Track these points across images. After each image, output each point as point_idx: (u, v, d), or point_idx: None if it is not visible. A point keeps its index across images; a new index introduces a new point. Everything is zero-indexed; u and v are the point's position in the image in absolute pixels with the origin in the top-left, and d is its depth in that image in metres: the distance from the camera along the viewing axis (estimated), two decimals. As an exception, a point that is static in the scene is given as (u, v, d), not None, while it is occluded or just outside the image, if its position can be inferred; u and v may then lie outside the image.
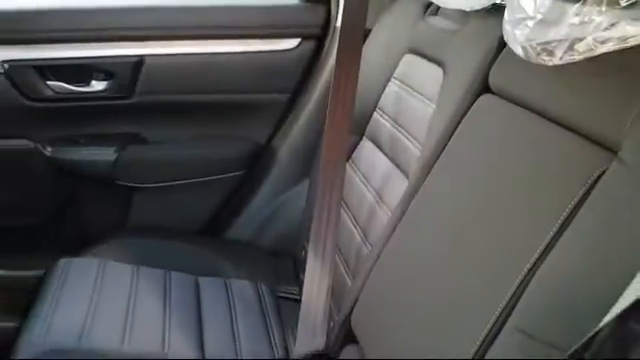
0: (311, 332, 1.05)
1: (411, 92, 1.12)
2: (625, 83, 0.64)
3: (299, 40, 1.44)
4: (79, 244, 1.39)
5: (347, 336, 1.00)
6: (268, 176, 1.51)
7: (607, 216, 0.60)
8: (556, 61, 0.72)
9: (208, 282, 1.30)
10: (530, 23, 0.73)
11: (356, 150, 1.29)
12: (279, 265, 1.42)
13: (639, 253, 0.56)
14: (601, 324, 0.54)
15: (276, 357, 1.10)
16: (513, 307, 0.65)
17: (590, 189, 0.62)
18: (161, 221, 1.50)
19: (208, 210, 1.53)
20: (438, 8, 1.16)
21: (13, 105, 1.37)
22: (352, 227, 1.17)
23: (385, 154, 1.16)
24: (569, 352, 0.56)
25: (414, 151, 1.03)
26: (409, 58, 1.18)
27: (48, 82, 1.37)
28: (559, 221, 0.64)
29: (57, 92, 1.38)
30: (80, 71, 1.39)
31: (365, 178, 1.20)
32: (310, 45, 1.45)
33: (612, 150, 0.62)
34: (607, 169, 0.62)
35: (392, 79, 1.22)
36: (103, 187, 1.48)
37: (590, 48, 0.69)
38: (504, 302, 0.66)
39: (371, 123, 1.26)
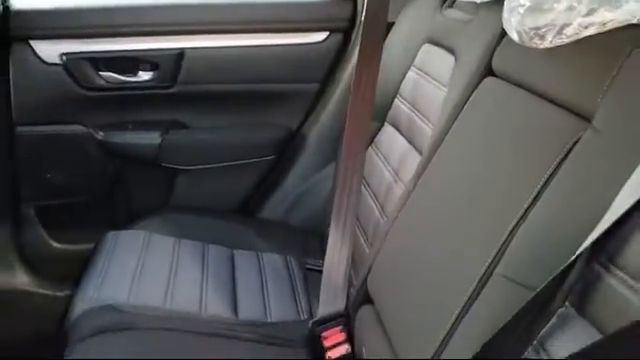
0: (332, 295, 1.16)
1: (427, 79, 1.22)
2: (601, 61, 0.73)
3: (327, 33, 1.54)
4: (127, 220, 1.54)
5: (364, 298, 1.11)
6: (298, 160, 1.62)
7: (581, 177, 0.69)
8: (547, 44, 0.81)
9: (242, 254, 1.41)
10: (522, 10, 0.82)
11: (378, 135, 1.39)
12: (307, 241, 1.53)
13: (606, 209, 0.65)
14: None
15: (301, 318, 1.21)
16: (500, 258, 0.74)
17: (568, 153, 0.71)
18: (200, 200, 1.62)
19: (243, 191, 1.65)
20: (454, 1, 1.25)
21: (69, 94, 1.51)
22: (372, 203, 1.27)
23: (403, 136, 1.26)
24: (542, 286, 0.65)
25: (428, 131, 1.12)
26: (427, 48, 1.27)
27: (100, 73, 1.50)
28: (541, 182, 0.73)
29: (108, 82, 1.51)
30: (128, 63, 1.51)
31: (385, 159, 1.30)
32: (337, 38, 1.55)
33: (587, 119, 0.71)
34: (582, 136, 0.71)
35: (412, 67, 1.31)
36: (148, 168, 1.60)
37: (576, 32, 0.78)
38: (493, 253, 0.75)
39: (392, 109, 1.36)
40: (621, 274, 0.59)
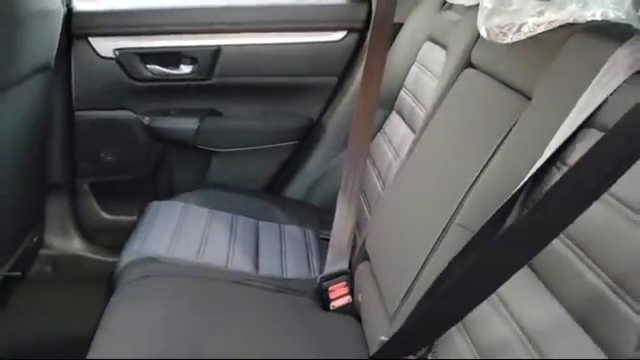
0: (338, 256, 1.36)
1: (425, 72, 1.40)
2: (543, 51, 0.90)
3: (345, 32, 1.74)
4: (168, 195, 1.75)
5: (363, 256, 1.30)
6: (317, 146, 1.82)
7: (521, 144, 0.87)
8: (508, 40, 0.99)
9: (266, 225, 1.62)
10: (486, 12, 1.01)
11: (386, 122, 1.58)
12: (323, 216, 1.72)
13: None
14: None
15: (312, 276, 1.41)
16: (459, 210, 0.92)
17: (513, 125, 0.89)
18: (232, 179, 1.83)
19: (269, 172, 1.85)
20: (451, 4, 1.43)
21: (121, 84, 1.74)
22: (376, 180, 1.46)
23: (405, 121, 1.45)
24: (480, 227, 0.83)
25: (422, 116, 1.31)
26: (428, 45, 1.46)
27: (147, 66, 1.72)
28: (493, 149, 0.91)
29: (154, 74, 1.73)
30: (172, 57, 1.73)
31: (389, 142, 1.49)
32: (354, 37, 1.74)
33: (529, 98, 0.89)
34: (524, 111, 0.88)
35: (415, 63, 1.50)
36: (187, 150, 1.82)
37: (531, 30, 0.96)
38: (454, 207, 0.93)
39: (398, 100, 1.55)
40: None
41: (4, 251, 1.52)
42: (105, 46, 1.70)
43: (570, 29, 0.90)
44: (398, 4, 1.54)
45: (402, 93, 1.52)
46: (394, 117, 1.54)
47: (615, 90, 0.71)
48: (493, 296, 0.81)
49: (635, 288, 0.60)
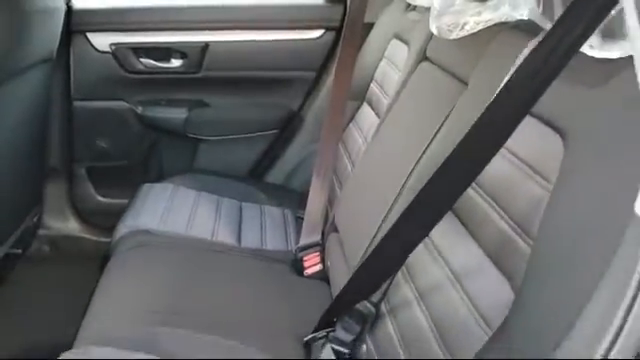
0: (311, 229, 1.52)
1: (391, 66, 1.57)
2: (480, 44, 1.06)
3: (323, 31, 1.90)
4: (158, 180, 1.90)
5: (334, 230, 1.46)
6: (297, 134, 1.98)
7: (459, 124, 1.03)
8: (453, 36, 1.16)
9: (248, 206, 1.77)
10: (435, 12, 1.17)
11: (357, 112, 1.74)
12: (301, 199, 1.87)
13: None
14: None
15: (289, 248, 1.56)
16: (409, 177, 1.09)
17: (452, 109, 1.06)
18: (217, 165, 1.98)
19: (251, 158, 2.01)
20: (415, 6, 1.59)
21: (116, 76, 1.88)
22: (347, 162, 1.62)
23: (373, 110, 1.61)
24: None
25: (386, 103, 1.47)
26: (394, 42, 1.62)
27: (141, 59, 1.87)
28: (435, 129, 1.07)
29: (146, 67, 1.88)
30: (163, 52, 1.88)
31: (360, 129, 1.65)
32: (331, 35, 1.90)
33: (466, 84, 1.05)
34: (461, 95, 1.05)
35: (383, 58, 1.66)
36: (177, 138, 1.97)
37: (472, 27, 1.13)
38: (406, 175, 1.09)
39: (368, 91, 1.71)
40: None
41: (5, 230, 1.65)
42: (102, 41, 1.85)
43: (503, 26, 1.06)
44: (369, 6, 1.71)
45: (372, 86, 1.68)
46: (365, 107, 1.70)
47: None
48: (429, 244, 0.98)
49: (529, 229, 0.76)
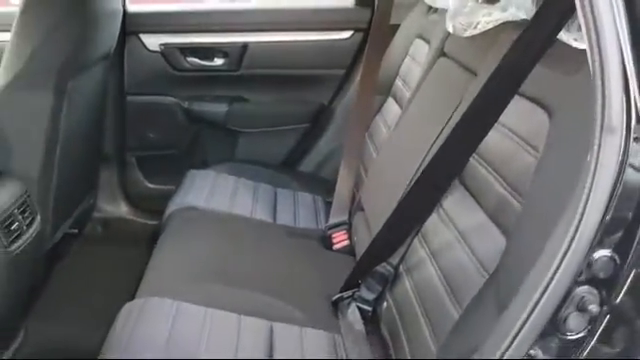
0: (340, 209, 1.69)
1: (414, 62, 1.73)
2: (490, 39, 1.21)
3: (352, 32, 2.06)
4: (202, 168, 2.09)
5: (360, 209, 1.62)
6: (327, 127, 2.15)
7: (468, 110, 1.18)
8: (468, 34, 1.31)
9: (282, 192, 1.94)
10: (450, 12, 1.33)
11: (384, 105, 1.90)
12: (331, 186, 2.04)
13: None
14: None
15: (319, 227, 1.73)
16: (425, 160, 1.24)
17: (463, 96, 1.21)
18: (255, 155, 2.16)
19: (286, 149, 2.19)
20: (436, 9, 1.75)
21: (164, 73, 2.08)
22: (372, 151, 1.78)
23: (397, 103, 1.77)
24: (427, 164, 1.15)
25: (408, 96, 1.63)
26: (417, 41, 1.78)
27: (187, 58, 2.06)
28: (449, 114, 1.23)
29: (192, 65, 2.07)
30: (207, 51, 2.07)
31: (385, 121, 1.81)
32: (359, 36, 2.06)
33: (475, 74, 1.21)
34: (470, 84, 1.20)
35: (407, 56, 1.82)
36: (218, 130, 2.16)
37: (484, 26, 1.28)
38: (423, 155, 1.25)
39: (394, 86, 1.87)
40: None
41: (64, 212, 1.85)
42: (152, 41, 2.05)
43: (510, 24, 1.21)
44: (396, 9, 1.87)
45: (397, 81, 1.84)
46: (390, 101, 1.86)
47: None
48: (440, 210, 1.13)
49: (521, 191, 0.91)
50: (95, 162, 2.12)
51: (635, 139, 0.59)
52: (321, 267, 1.48)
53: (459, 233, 1.07)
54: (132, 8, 2.04)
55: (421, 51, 1.70)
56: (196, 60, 2.08)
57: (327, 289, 1.35)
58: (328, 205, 1.88)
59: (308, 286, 1.38)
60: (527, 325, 0.63)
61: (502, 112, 0.86)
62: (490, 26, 1.25)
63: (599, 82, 0.59)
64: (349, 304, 1.30)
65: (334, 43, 2.08)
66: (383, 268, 1.25)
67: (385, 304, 1.26)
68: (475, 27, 1.30)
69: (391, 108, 1.82)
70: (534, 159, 0.89)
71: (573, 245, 0.61)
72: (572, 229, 0.61)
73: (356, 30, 2.06)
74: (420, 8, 1.86)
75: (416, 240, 1.19)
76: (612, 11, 0.56)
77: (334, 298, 1.32)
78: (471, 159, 1.09)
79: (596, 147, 0.60)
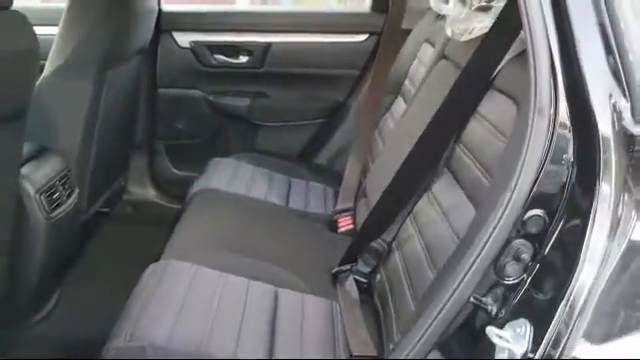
0: (346, 196, 1.84)
1: (420, 63, 1.88)
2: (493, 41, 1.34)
3: (367, 35, 2.22)
4: (224, 157, 2.25)
5: (364, 195, 1.77)
6: (342, 123, 2.31)
7: (451, 100, 1.31)
8: (464, 38, 1.46)
9: (296, 182, 2.09)
10: (449, 19, 1.48)
11: (393, 104, 2.05)
12: (342, 178, 2.19)
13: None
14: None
15: (327, 212, 1.88)
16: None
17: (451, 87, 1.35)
18: (273, 147, 2.33)
19: (302, 142, 2.35)
20: (443, 15, 1.89)
21: (193, 69, 2.26)
22: (380, 144, 1.93)
23: (405, 102, 1.92)
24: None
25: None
26: (424, 45, 1.93)
27: (214, 55, 2.24)
28: (438, 105, 1.36)
29: (219, 62, 2.25)
30: (232, 49, 2.24)
31: (392, 116, 1.96)
32: (374, 39, 2.21)
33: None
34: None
35: (415, 58, 1.97)
36: (241, 123, 2.33)
37: (478, 32, 1.42)
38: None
39: (403, 87, 2.01)
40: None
41: (98, 191, 2.03)
42: (183, 39, 2.23)
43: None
44: (408, 15, 2.02)
45: (406, 82, 1.99)
46: (399, 100, 2.01)
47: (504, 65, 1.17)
48: (429, 193, 1.28)
49: (491, 170, 1.05)
50: (127, 148, 2.31)
51: (561, 124, 0.73)
52: (325, 245, 1.63)
53: (442, 211, 1.21)
54: (166, 8, 2.23)
55: (427, 54, 1.84)
56: (222, 57, 2.25)
57: (328, 264, 1.51)
58: (338, 195, 2.03)
59: (312, 260, 1.53)
60: (471, 271, 0.78)
61: (475, 102, 1.00)
62: (483, 32, 1.39)
63: (532, 72, 0.73)
64: (347, 276, 1.45)
65: (350, 45, 2.23)
66: (378, 244, 1.40)
67: (378, 277, 1.40)
68: (470, 32, 1.45)
69: (399, 106, 1.96)
70: (502, 144, 1.03)
71: (509, 206, 0.75)
72: (509, 194, 0.75)
73: (371, 34, 2.21)
74: (430, 15, 2.01)
75: (408, 219, 1.34)
76: (540, 7, 0.70)
77: (334, 271, 1.47)
78: (456, 147, 1.24)
79: (529, 127, 0.74)
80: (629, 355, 0.71)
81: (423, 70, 1.82)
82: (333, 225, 1.80)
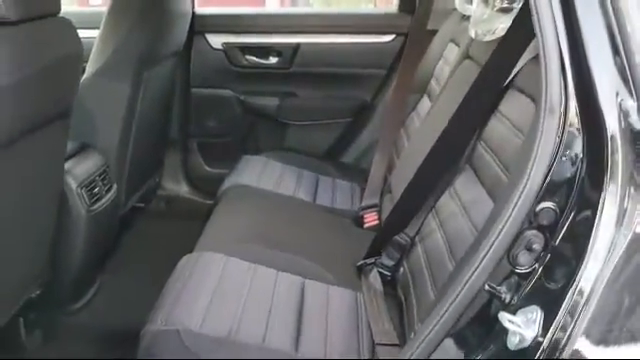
0: (372, 193, 1.89)
1: (446, 63, 1.92)
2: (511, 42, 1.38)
3: (394, 36, 2.27)
4: (254, 154, 2.32)
5: (389, 191, 1.82)
6: (369, 122, 2.36)
7: (474, 96, 1.35)
8: (487, 39, 1.50)
9: (323, 179, 2.15)
10: (473, 20, 1.52)
11: (419, 103, 2.09)
12: (368, 176, 2.24)
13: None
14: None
15: (353, 208, 1.94)
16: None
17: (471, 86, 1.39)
18: (301, 145, 2.40)
19: (329, 140, 2.41)
20: (468, 16, 1.93)
21: (225, 69, 2.34)
22: (406, 142, 1.98)
23: (430, 99, 1.96)
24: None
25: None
26: (450, 45, 1.97)
27: (246, 56, 2.32)
28: (458, 103, 1.40)
29: (249, 62, 2.33)
30: (263, 50, 2.32)
31: (419, 116, 2.01)
32: (400, 40, 2.26)
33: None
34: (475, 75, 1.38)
35: (441, 58, 2.01)
36: (270, 121, 2.40)
37: (500, 32, 1.46)
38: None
39: (429, 86, 2.06)
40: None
41: (134, 186, 2.12)
42: (216, 40, 2.31)
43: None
44: (434, 16, 2.06)
45: (431, 81, 2.03)
46: (424, 99, 2.05)
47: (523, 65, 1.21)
48: (452, 189, 1.32)
49: (510, 167, 1.09)
50: (162, 145, 2.40)
51: (571, 122, 0.78)
52: (351, 240, 1.69)
53: (463, 206, 1.26)
54: (200, 10, 2.32)
55: (452, 54, 1.88)
56: (253, 58, 2.32)
57: (354, 257, 1.56)
58: (364, 192, 2.08)
59: (338, 253, 1.59)
60: (485, 260, 0.82)
61: (496, 100, 1.05)
62: (503, 33, 1.43)
63: (543, 72, 0.77)
64: (371, 269, 1.51)
65: (377, 45, 2.28)
66: (402, 239, 1.45)
67: (402, 269, 1.45)
68: (493, 33, 1.49)
69: (425, 105, 2.01)
70: (520, 141, 1.08)
71: (522, 199, 0.80)
72: (521, 188, 0.80)
73: (398, 34, 2.26)
74: (455, 15, 2.05)
75: (430, 214, 1.39)
76: (551, 11, 0.75)
77: (358, 264, 1.53)
78: (478, 144, 1.28)
79: (540, 124, 0.78)
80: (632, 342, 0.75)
81: (448, 70, 1.86)
82: (359, 221, 1.85)
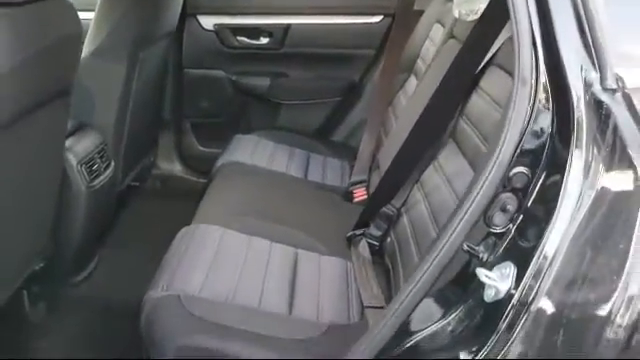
0: (360, 169, 1.97)
1: (432, 43, 1.98)
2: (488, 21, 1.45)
3: (382, 17, 2.32)
4: (246, 133, 2.37)
5: (377, 167, 1.90)
6: (358, 101, 2.43)
7: (454, 72, 1.42)
8: (470, 19, 1.56)
9: (314, 157, 2.21)
10: (456, 0, 1.58)
11: (406, 82, 2.16)
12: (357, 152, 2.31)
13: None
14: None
15: (343, 185, 2.01)
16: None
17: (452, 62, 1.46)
18: (293, 124, 2.45)
19: (320, 120, 2.47)
20: (454, -4, 1.99)
21: (216, 50, 2.38)
22: (394, 121, 2.05)
23: (417, 78, 2.03)
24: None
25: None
26: (436, 26, 2.03)
27: (237, 37, 2.36)
28: (440, 78, 1.47)
29: (241, 43, 2.37)
30: (254, 31, 2.36)
31: (406, 95, 2.07)
32: (388, 20, 2.31)
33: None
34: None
35: (427, 39, 2.07)
36: (262, 101, 2.46)
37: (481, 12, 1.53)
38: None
39: (415, 66, 2.12)
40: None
41: (130, 165, 2.18)
42: (208, 22, 2.35)
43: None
44: (420, -3, 2.13)
45: (418, 61, 2.10)
46: (411, 78, 2.12)
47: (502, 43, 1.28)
48: (436, 162, 1.40)
49: (490, 139, 1.17)
50: (156, 125, 2.45)
51: (541, 92, 0.85)
52: (341, 213, 1.76)
53: (446, 178, 1.33)
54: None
55: (438, 34, 1.95)
56: (244, 39, 2.37)
57: (344, 229, 1.64)
58: (353, 168, 2.15)
59: (328, 226, 1.67)
60: (463, 221, 0.90)
61: (477, 77, 1.12)
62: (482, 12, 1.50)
63: (516, 47, 0.84)
64: (360, 240, 1.59)
65: (366, 26, 2.34)
66: (389, 210, 1.53)
67: (389, 239, 1.53)
68: (476, 13, 1.55)
69: (412, 84, 2.08)
70: (499, 114, 1.15)
71: (497, 164, 0.88)
72: (497, 153, 0.88)
73: (385, 15, 2.32)
74: (441, -4, 2.11)
75: (415, 186, 1.47)
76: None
77: (348, 234, 1.60)
78: (460, 119, 1.36)
79: (514, 95, 0.86)
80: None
81: (434, 50, 1.92)
82: (348, 196, 1.93)
